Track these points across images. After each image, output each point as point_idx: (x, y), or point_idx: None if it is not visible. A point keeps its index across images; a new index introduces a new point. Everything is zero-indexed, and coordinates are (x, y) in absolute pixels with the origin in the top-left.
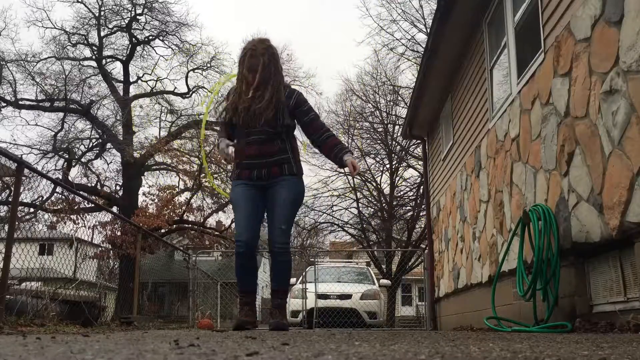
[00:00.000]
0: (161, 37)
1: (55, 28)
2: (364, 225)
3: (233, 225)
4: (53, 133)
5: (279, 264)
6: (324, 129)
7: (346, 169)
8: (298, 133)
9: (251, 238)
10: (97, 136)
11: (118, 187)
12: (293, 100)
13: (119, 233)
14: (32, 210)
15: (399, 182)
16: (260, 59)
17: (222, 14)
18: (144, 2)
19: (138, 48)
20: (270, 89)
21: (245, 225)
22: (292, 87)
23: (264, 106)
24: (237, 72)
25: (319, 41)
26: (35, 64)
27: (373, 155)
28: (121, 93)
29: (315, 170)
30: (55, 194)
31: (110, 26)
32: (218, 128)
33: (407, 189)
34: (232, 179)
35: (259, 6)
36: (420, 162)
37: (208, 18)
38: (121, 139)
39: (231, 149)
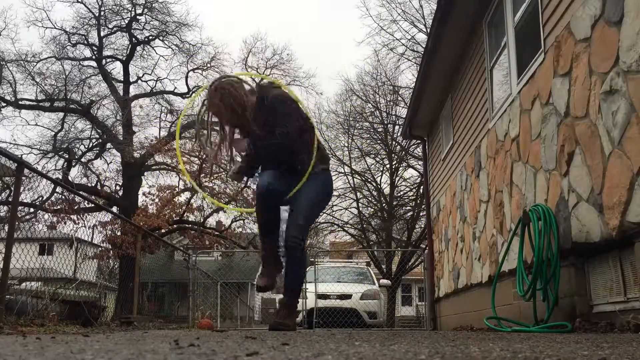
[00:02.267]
0: (161, 37)
1: (55, 28)
2: (364, 225)
3: (233, 225)
4: (53, 133)
5: (291, 259)
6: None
7: None
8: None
9: (273, 182)
10: (97, 136)
11: (118, 187)
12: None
13: (119, 233)
14: (32, 210)
15: (399, 182)
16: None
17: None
18: (144, 2)
19: (138, 48)
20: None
21: (267, 175)
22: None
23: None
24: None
25: (319, 41)
26: (35, 64)
27: (373, 155)
28: (121, 93)
29: None
30: (55, 194)
31: (110, 26)
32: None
33: (407, 189)
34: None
35: (259, 6)
36: (420, 162)
37: (208, 18)
38: (121, 139)
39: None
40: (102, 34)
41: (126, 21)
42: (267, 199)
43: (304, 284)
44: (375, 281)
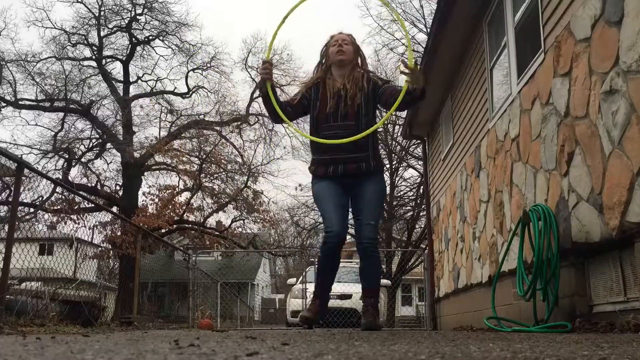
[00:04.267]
0: (161, 37)
1: (55, 28)
2: None
3: (233, 225)
4: (53, 133)
5: (368, 259)
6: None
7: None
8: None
9: (342, 229)
10: (97, 136)
11: (118, 187)
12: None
13: (119, 233)
14: (32, 210)
15: (399, 182)
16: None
17: (222, 14)
18: (144, 2)
19: (138, 48)
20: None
21: (336, 217)
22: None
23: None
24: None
25: (319, 41)
26: (35, 64)
27: None
28: (121, 93)
29: None
30: (55, 194)
31: (110, 26)
32: (218, 128)
33: (407, 189)
34: (311, 172)
35: (259, 6)
36: (420, 162)
37: (208, 18)
38: (121, 139)
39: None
40: (102, 34)
41: (126, 21)
42: (337, 248)
43: (304, 284)
44: None
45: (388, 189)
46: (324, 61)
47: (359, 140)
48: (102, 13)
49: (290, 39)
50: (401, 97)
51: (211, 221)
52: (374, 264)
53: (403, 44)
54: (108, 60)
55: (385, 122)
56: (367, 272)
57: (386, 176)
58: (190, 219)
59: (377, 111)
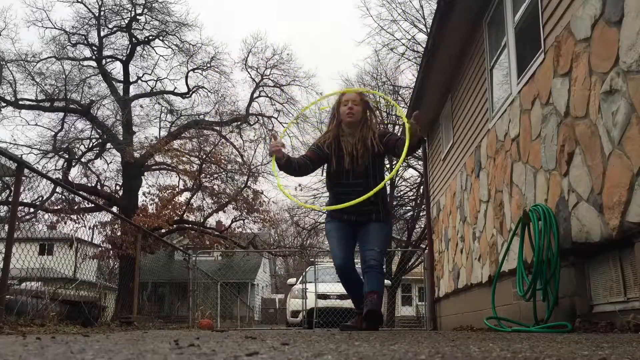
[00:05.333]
0: (161, 37)
1: (55, 28)
2: None
3: (233, 225)
4: (53, 133)
5: (372, 272)
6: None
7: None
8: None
9: (346, 259)
10: (97, 136)
11: (118, 187)
12: (382, 139)
13: (119, 233)
14: (32, 210)
15: (399, 182)
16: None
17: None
18: (144, 2)
19: (138, 48)
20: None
21: (340, 252)
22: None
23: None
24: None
25: (319, 41)
26: (35, 64)
27: None
28: (121, 93)
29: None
30: (55, 194)
31: (110, 26)
32: (218, 128)
33: (407, 189)
34: (327, 212)
35: (259, 6)
36: (420, 162)
37: (208, 18)
38: (121, 139)
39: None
40: (102, 34)
41: (126, 21)
42: (347, 277)
43: (304, 284)
44: None
45: (388, 189)
46: (334, 118)
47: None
48: (102, 13)
49: (290, 39)
50: (406, 146)
51: (211, 221)
52: (377, 277)
53: (403, 44)
54: (108, 60)
55: (385, 122)
56: (370, 280)
57: (386, 176)
58: (190, 219)
59: (386, 159)
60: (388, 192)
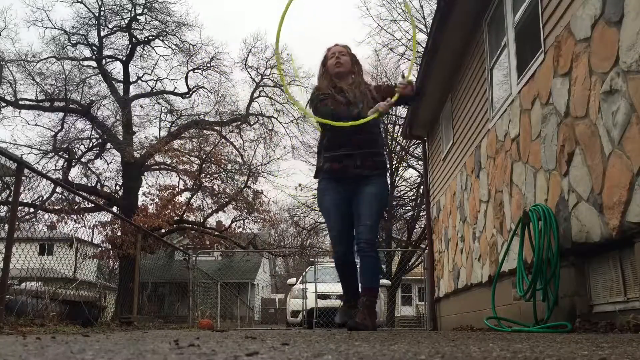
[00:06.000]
0: (161, 37)
1: (55, 28)
2: None
3: (233, 225)
4: (53, 133)
5: (365, 259)
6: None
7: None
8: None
9: (348, 247)
10: (97, 136)
11: (118, 187)
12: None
13: (119, 233)
14: (32, 210)
15: (399, 182)
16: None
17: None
18: (144, 2)
19: (138, 48)
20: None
21: (341, 238)
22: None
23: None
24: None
25: (319, 41)
26: (35, 64)
27: None
28: (121, 93)
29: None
30: (55, 194)
31: (110, 26)
32: (218, 128)
33: (407, 189)
34: (320, 171)
35: (259, 6)
36: (420, 162)
37: (208, 18)
38: (121, 139)
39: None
40: (102, 34)
41: (126, 21)
42: (345, 268)
43: (304, 284)
44: None
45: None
46: (322, 73)
47: (372, 135)
48: (102, 13)
49: (289, 39)
50: (395, 98)
51: (211, 221)
52: (371, 265)
53: (403, 44)
54: (108, 60)
55: (385, 122)
56: (364, 272)
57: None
58: (190, 219)
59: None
60: (389, 190)
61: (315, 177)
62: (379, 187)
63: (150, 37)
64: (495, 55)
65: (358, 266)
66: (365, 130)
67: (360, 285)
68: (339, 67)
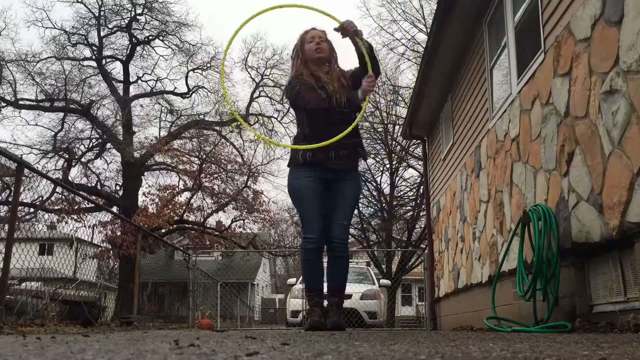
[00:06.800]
0: (161, 37)
1: (55, 28)
2: (364, 225)
3: (233, 225)
4: (53, 133)
5: (337, 259)
6: None
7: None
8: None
9: (322, 236)
10: (97, 136)
11: (118, 187)
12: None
13: (119, 233)
14: (32, 210)
15: (399, 182)
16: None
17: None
18: (144, 2)
19: (138, 48)
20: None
21: (317, 221)
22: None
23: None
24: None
25: None
26: (35, 64)
27: (373, 155)
28: (121, 93)
29: None
30: (55, 194)
31: (110, 26)
32: (218, 128)
33: (407, 189)
34: (293, 164)
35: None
36: (420, 162)
37: (207, 18)
38: (121, 139)
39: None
40: (102, 34)
41: (126, 21)
42: (319, 256)
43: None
44: (375, 281)
45: (388, 189)
46: (299, 57)
47: (353, 124)
48: (102, 13)
49: (289, 39)
50: (366, 57)
51: (211, 221)
52: (341, 266)
53: (403, 44)
54: (108, 60)
55: (385, 122)
56: (334, 272)
57: (386, 176)
58: (190, 219)
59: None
60: (387, 192)
61: (290, 164)
62: (356, 186)
63: (150, 37)
64: (495, 55)
65: (326, 264)
66: (349, 119)
67: (330, 285)
68: (319, 52)
